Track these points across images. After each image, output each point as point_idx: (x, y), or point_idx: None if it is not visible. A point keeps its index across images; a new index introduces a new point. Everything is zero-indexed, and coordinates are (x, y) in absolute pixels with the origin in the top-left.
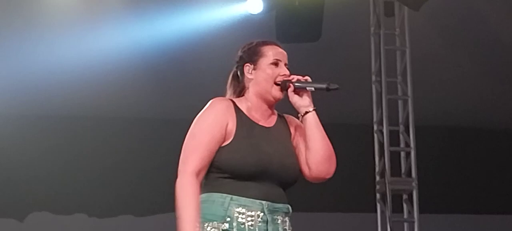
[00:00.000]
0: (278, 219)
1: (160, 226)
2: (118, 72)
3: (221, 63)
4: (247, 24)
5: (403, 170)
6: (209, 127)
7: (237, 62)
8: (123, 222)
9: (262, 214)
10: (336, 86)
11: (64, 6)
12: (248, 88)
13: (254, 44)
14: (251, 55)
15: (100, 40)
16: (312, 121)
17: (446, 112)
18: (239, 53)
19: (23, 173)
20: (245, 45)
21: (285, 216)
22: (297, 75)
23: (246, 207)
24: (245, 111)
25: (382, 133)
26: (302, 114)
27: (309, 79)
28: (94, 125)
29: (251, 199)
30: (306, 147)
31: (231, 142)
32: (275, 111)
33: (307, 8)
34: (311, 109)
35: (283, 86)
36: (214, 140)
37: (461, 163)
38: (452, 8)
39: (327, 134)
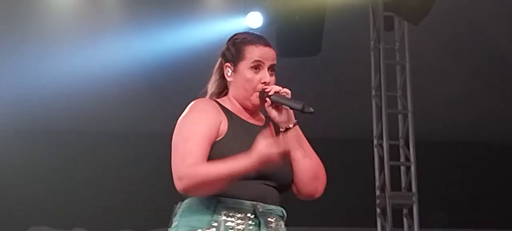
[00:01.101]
0: (271, 222)
1: None
2: (118, 86)
3: None
4: None
5: (403, 185)
6: (204, 127)
7: (220, 56)
8: None
9: (253, 216)
10: (311, 109)
11: (62, 20)
12: (229, 88)
13: (239, 40)
14: (233, 55)
15: (99, 54)
16: (292, 140)
17: (446, 127)
18: (224, 45)
19: (21, 187)
20: (231, 38)
21: (280, 219)
22: (278, 85)
23: (235, 209)
24: (231, 110)
25: (382, 147)
26: (282, 130)
27: (288, 92)
28: (94, 140)
29: (241, 200)
30: (291, 165)
31: (224, 136)
32: (261, 114)
33: (307, 22)
34: (290, 125)
35: (261, 96)
36: (210, 143)
37: (461, 177)
38: (452, 23)
39: (327, 148)
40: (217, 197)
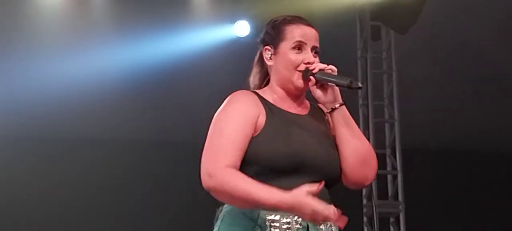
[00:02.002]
0: (321, 225)
1: None
2: (105, 93)
3: (209, 85)
4: (235, 47)
5: (390, 193)
6: (240, 122)
7: (260, 42)
8: None
9: (300, 220)
10: (359, 84)
11: (49, 27)
12: (270, 75)
13: (279, 21)
14: (273, 37)
15: (88, 62)
16: (340, 119)
17: (432, 136)
18: (262, 31)
19: (7, 196)
20: (270, 22)
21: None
22: (322, 63)
23: (281, 213)
24: (272, 102)
25: None
26: (328, 111)
27: (334, 69)
28: (80, 146)
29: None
30: (339, 150)
31: (261, 131)
32: (307, 101)
33: None
34: (337, 105)
35: (305, 76)
36: (247, 138)
37: (448, 186)
38: (439, 32)
39: None
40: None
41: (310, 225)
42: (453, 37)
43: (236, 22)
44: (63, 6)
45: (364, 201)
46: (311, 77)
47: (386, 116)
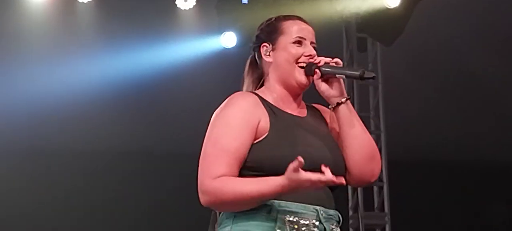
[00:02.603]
0: (333, 230)
1: None
2: (92, 105)
3: (196, 96)
4: (222, 58)
5: (376, 205)
6: (237, 129)
7: (254, 43)
8: None
9: (318, 222)
10: (372, 74)
11: (37, 38)
12: (268, 74)
13: (273, 19)
14: (270, 33)
15: (74, 73)
16: (346, 113)
17: (419, 147)
18: (256, 32)
19: None
20: (263, 23)
21: (338, 226)
22: (325, 57)
23: (299, 215)
24: (273, 103)
25: None
26: (333, 105)
27: (339, 62)
28: (67, 159)
29: (303, 204)
30: (342, 146)
31: (266, 137)
32: (303, 102)
33: None
34: (343, 99)
35: (308, 70)
36: (245, 145)
37: (434, 197)
38: (424, 44)
39: None
40: (278, 201)
41: (327, 228)
42: (439, 49)
43: (223, 33)
44: (49, 16)
45: (350, 213)
46: (317, 70)
47: (372, 127)
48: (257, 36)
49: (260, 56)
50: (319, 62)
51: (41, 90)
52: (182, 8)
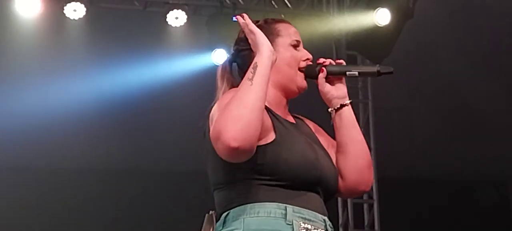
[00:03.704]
0: None
1: None
2: (81, 123)
3: (187, 113)
4: (213, 74)
5: (366, 222)
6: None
7: (237, 46)
8: None
9: (331, 229)
10: (390, 69)
11: (25, 56)
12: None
13: (262, 22)
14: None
15: (64, 90)
16: (349, 116)
17: (408, 165)
18: (241, 35)
19: None
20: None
21: None
22: (325, 58)
23: (311, 222)
24: (268, 106)
25: None
26: (336, 108)
27: (343, 62)
28: (57, 177)
29: (314, 213)
30: (340, 151)
31: (274, 140)
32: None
33: None
34: (347, 101)
35: (310, 72)
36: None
37: (424, 215)
38: (414, 62)
39: None
40: (292, 206)
41: None
42: (429, 68)
43: (214, 50)
44: (39, 32)
45: (340, 230)
46: (323, 69)
47: None
48: (242, 39)
49: (247, 61)
50: (324, 62)
51: (30, 108)
52: (173, 25)
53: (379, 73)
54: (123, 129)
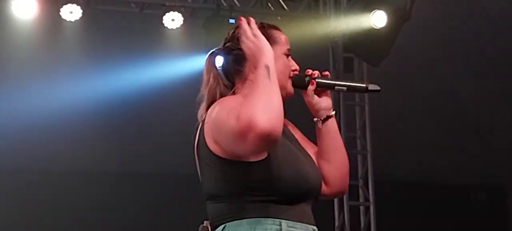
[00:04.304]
0: None
1: None
2: (79, 124)
3: (184, 115)
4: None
5: (362, 225)
6: None
7: (230, 44)
8: None
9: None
10: (377, 87)
11: (23, 57)
12: (246, 81)
13: (258, 24)
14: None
15: (61, 93)
16: (334, 127)
17: (405, 168)
18: (233, 34)
19: None
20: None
21: None
22: (312, 69)
23: (299, 226)
24: None
25: None
26: (322, 118)
27: (328, 75)
28: (53, 179)
29: (306, 225)
30: (324, 158)
31: (268, 156)
32: None
33: None
34: (332, 113)
35: (299, 82)
36: None
37: (420, 217)
38: (410, 66)
39: None
40: (286, 221)
41: None
42: (425, 71)
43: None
44: (35, 34)
45: None
46: (313, 81)
47: (359, 147)
48: (236, 37)
49: (241, 63)
50: (313, 74)
51: (26, 109)
52: (169, 27)
53: (366, 90)
54: (119, 131)
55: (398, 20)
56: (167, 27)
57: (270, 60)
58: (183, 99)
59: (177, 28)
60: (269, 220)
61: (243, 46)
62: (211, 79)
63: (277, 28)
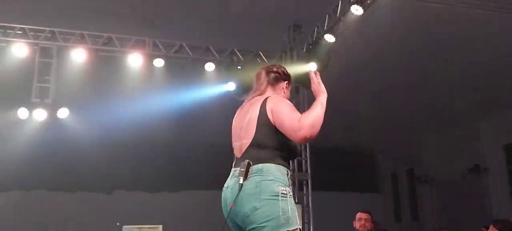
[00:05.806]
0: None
1: None
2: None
3: (211, 129)
4: (226, 97)
5: (303, 169)
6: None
7: (279, 73)
8: None
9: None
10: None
11: (131, 82)
12: (275, 92)
13: (285, 70)
14: (288, 77)
15: (148, 106)
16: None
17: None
18: (281, 68)
19: None
20: (281, 66)
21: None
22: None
23: (288, 173)
24: None
25: None
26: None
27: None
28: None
29: (288, 170)
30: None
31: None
32: None
33: None
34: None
35: (307, 83)
36: None
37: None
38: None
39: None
40: (287, 170)
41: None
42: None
43: (227, 83)
44: (137, 70)
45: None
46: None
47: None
48: (283, 72)
49: (277, 82)
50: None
51: (133, 118)
52: (208, 70)
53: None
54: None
55: (321, 67)
56: (206, 70)
57: (323, 98)
58: (212, 110)
59: (212, 70)
60: (283, 168)
61: (312, 86)
62: (264, 82)
63: (289, 74)
